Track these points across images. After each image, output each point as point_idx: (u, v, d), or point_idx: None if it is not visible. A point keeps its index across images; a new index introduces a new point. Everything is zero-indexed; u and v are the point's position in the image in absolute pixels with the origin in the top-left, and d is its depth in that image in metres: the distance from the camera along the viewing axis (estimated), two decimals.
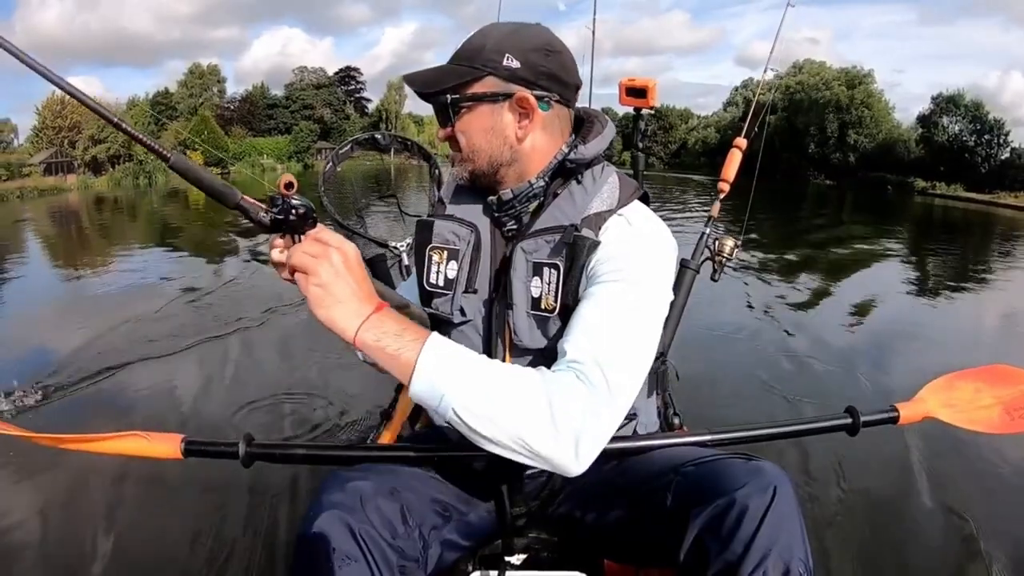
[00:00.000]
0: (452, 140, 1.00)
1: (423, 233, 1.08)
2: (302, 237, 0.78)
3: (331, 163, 1.25)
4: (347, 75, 61.63)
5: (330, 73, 60.53)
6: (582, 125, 1.05)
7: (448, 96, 0.96)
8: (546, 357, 0.93)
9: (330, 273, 0.76)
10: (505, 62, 0.94)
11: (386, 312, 0.79)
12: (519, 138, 0.97)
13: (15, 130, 45.15)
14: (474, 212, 1.07)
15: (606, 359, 0.83)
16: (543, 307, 0.96)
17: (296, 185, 0.77)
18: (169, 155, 0.75)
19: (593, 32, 1.90)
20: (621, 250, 0.93)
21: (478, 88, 0.95)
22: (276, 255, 0.80)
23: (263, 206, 0.78)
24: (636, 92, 1.72)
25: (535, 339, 0.97)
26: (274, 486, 2.28)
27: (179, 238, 11.66)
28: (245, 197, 0.77)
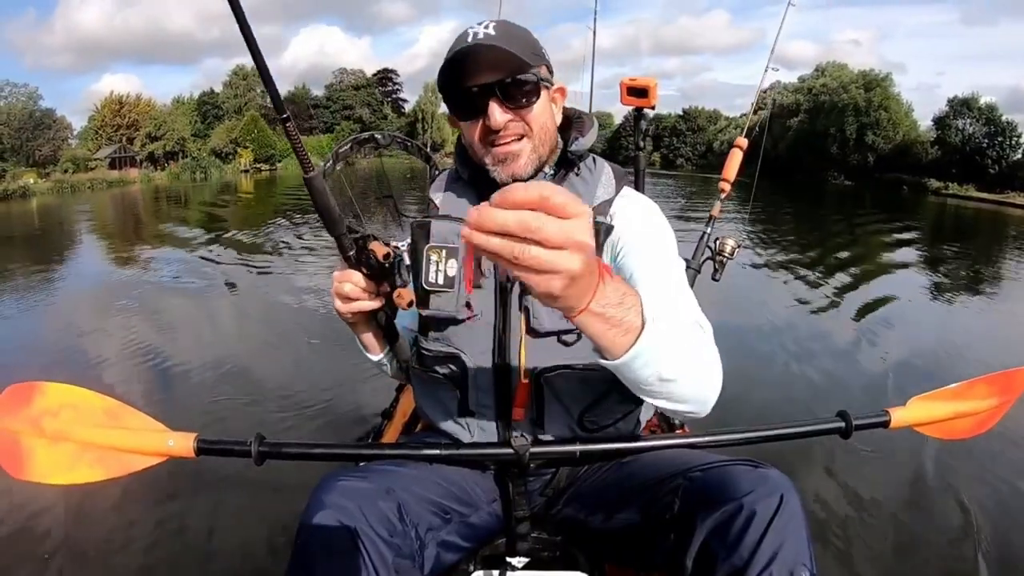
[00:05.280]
0: (513, 124, 0.94)
1: (419, 234, 1.03)
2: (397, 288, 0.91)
3: (331, 161, 1.19)
4: (385, 76, 62.06)
5: (368, 74, 60.99)
6: (570, 124, 1.05)
7: (535, 74, 0.93)
8: (562, 339, 0.94)
9: (585, 259, 0.54)
10: (544, 55, 0.97)
11: (608, 275, 0.63)
12: (557, 125, 1.01)
13: (70, 127, 46.33)
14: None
15: (698, 314, 0.87)
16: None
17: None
18: (312, 170, 0.82)
19: (594, 32, 1.83)
20: (642, 224, 0.98)
21: (543, 73, 0.96)
22: (348, 289, 0.92)
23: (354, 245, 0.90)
24: (637, 92, 1.63)
25: (554, 322, 0.94)
26: (276, 484, 2.22)
27: (222, 232, 11.86)
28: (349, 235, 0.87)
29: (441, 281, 0.99)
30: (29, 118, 41.12)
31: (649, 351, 0.69)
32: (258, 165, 44.28)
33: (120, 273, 7.84)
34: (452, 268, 0.99)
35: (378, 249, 0.90)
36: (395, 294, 0.94)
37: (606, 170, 1.03)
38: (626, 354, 0.69)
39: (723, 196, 1.92)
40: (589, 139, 1.02)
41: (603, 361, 0.72)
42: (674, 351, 0.73)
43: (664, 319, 0.72)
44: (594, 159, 1.05)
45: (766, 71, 2.00)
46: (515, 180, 0.95)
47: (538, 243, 0.51)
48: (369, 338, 1.07)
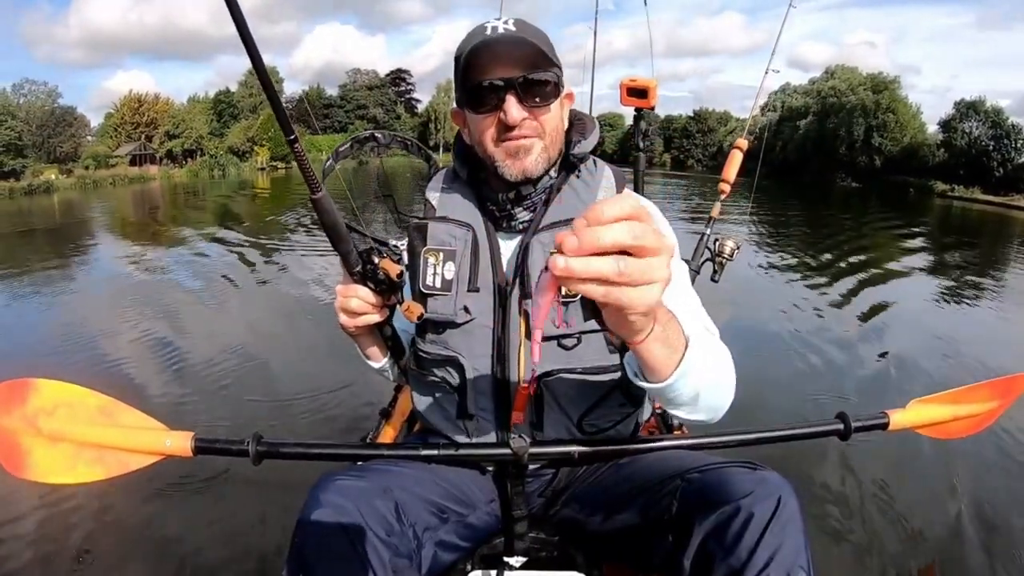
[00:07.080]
0: (528, 122, 0.90)
1: (416, 236, 1.00)
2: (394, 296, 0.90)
3: (331, 160, 1.18)
4: (398, 77, 62.22)
5: (382, 74, 61.18)
6: (570, 126, 1.01)
7: (556, 73, 0.90)
8: (561, 343, 0.91)
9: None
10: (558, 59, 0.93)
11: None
12: (565, 129, 0.98)
13: (88, 125, 46.70)
14: (467, 212, 1.00)
15: (706, 319, 0.87)
16: (564, 292, 0.91)
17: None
18: (320, 189, 0.80)
19: (595, 32, 1.79)
20: None
21: (559, 74, 0.93)
22: (355, 304, 0.91)
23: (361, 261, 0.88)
24: (637, 93, 1.61)
25: (554, 326, 0.91)
26: (274, 482, 2.16)
27: (233, 225, 11.94)
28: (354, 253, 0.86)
29: (439, 284, 0.97)
30: (50, 115, 41.59)
31: (692, 369, 0.69)
32: (274, 163, 44.57)
33: (123, 266, 7.85)
34: (450, 271, 0.96)
35: (391, 268, 0.88)
36: (404, 308, 0.93)
37: (606, 172, 1.00)
38: (673, 374, 0.68)
39: (723, 197, 1.89)
40: (591, 141, 0.99)
41: (648, 384, 0.71)
42: (707, 365, 0.73)
43: (696, 333, 0.71)
44: (595, 161, 1.01)
45: (766, 74, 1.98)
46: (525, 176, 0.92)
47: (632, 255, 0.47)
48: (373, 349, 1.06)
